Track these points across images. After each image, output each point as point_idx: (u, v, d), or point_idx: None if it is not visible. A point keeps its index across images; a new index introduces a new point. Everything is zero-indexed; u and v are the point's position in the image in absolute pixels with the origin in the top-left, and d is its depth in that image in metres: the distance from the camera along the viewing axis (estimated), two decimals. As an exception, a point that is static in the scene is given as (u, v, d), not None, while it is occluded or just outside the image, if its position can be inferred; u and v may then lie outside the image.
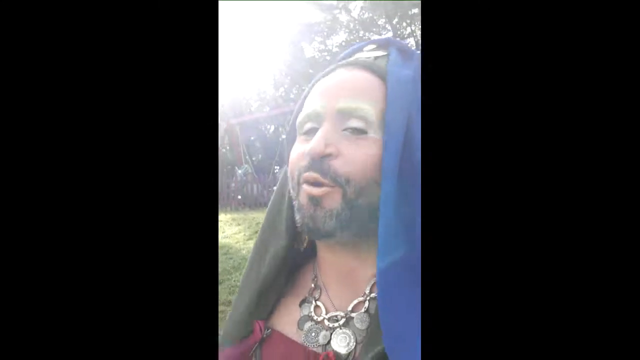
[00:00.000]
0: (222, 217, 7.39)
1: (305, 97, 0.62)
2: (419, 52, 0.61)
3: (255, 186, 9.74)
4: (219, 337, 0.61)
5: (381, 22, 13.82)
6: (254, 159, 14.02)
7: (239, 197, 9.58)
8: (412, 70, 0.58)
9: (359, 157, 0.53)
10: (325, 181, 0.52)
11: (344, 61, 0.62)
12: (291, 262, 0.63)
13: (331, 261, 0.60)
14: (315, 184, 0.53)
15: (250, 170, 10.16)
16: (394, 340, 0.47)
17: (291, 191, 0.58)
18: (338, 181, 0.52)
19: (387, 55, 0.61)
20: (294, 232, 0.61)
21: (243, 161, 11.04)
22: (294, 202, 0.57)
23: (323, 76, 0.61)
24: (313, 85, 0.62)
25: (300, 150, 0.57)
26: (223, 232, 6.31)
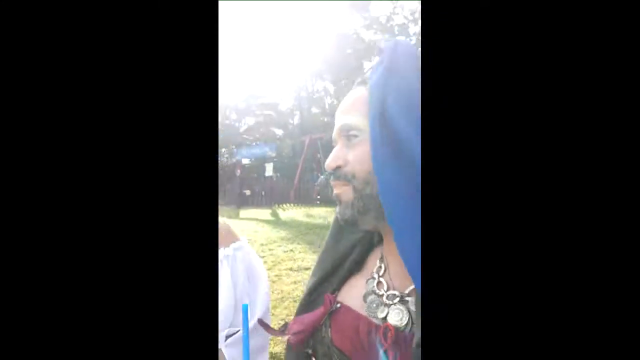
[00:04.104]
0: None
1: None
2: (416, 47, 0.66)
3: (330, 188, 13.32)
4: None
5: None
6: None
7: (318, 197, 13.44)
8: (385, 63, 0.64)
9: (358, 156, 0.64)
10: (339, 182, 0.66)
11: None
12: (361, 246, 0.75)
13: (391, 247, 0.66)
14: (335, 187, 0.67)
15: (329, 177, 12.38)
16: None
17: None
18: (347, 179, 0.65)
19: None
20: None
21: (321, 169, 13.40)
22: None
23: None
24: None
25: None
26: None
